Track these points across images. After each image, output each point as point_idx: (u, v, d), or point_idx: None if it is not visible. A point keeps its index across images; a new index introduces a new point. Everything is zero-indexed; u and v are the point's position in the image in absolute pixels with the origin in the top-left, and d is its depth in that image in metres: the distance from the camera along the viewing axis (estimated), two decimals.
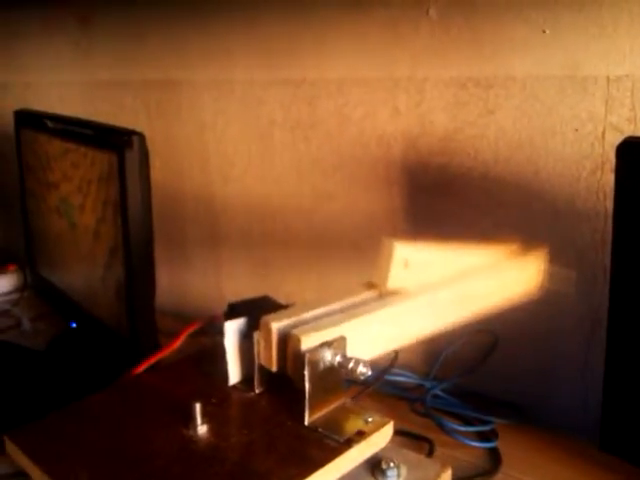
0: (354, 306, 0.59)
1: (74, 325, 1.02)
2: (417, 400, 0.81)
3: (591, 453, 0.68)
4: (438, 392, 0.82)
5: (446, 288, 0.64)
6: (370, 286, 0.63)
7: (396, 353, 0.79)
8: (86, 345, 0.97)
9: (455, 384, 0.83)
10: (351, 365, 0.52)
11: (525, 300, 0.70)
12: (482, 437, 0.75)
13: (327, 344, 0.53)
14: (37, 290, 1.19)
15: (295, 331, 0.53)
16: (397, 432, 0.72)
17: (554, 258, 0.74)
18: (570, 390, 0.82)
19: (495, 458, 0.72)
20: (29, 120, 1.08)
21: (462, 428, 0.76)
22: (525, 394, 0.83)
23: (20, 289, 1.22)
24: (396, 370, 0.83)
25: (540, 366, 0.83)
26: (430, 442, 0.73)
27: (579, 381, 0.81)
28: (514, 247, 0.74)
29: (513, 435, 0.76)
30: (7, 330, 1.07)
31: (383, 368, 0.81)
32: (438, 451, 0.72)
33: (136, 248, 0.82)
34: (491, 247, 0.72)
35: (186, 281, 1.19)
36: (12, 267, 1.25)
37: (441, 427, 0.76)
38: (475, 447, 0.74)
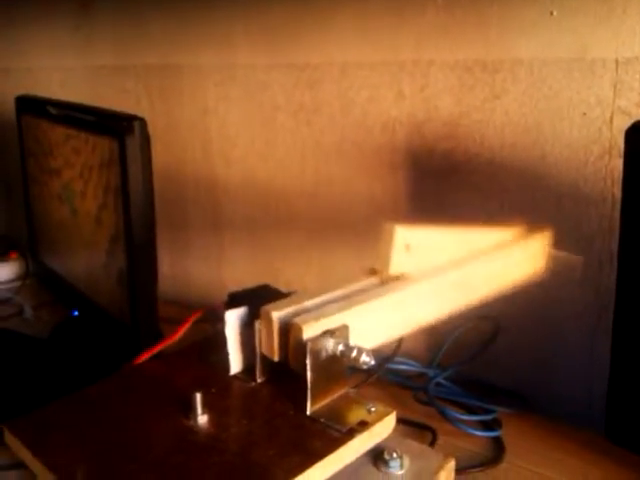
0: (356, 293, 0.58)
1: (76, 313, 1.02)
2: (420, 389, 0.80)
3: (596, 441, 0.68)
4: (441, 380, 0.81)
5: (449, 272, 0.63)
6: (372, 272, 0.62)
7: (399, 341, 0.78)
8: (88, 333, 0.97)
9: (458, 372, 0.82)
10: (354, 354, 0.51)
11: (530, 284, 0.69)
12: (485, 426, 0.75)
13: (329, 333, 0.52)
14: (39, 278, 1.19)
15: (296, 320, 0.52)
16: (400, 421, 0.71)
17: (560, 243, 0.73)
18: (575, 378, 0.81)
19: (499, 447, 0.71)
20: (30, 106, 1.08)
21: (465, 417, 0.75)
22: (529, 382, 0.82)
23: (22, 277, 1.21)
24: (399, 358, 0.83)
25: (544, 354, 0.83)
26: (433, 431, 0.73)
27: (584, 369, 0.80)
28: (519, 231, 0.72)
29: (517, 424, 0.75)
30: (9, 318, 1.07)
31: (386, 356, 0.81)
32: (441, 440, 0.71)
33: (138, 235, 0.81)
34: (495, 230, 0.71)
35: (188, 268, 1.18)
36: (14, 255, 1.25)
37: (444, 416, 0.75)
38: (478, 436, 0.73)
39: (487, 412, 0.76)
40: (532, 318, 0.81)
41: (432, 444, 0.70)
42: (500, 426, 0.74)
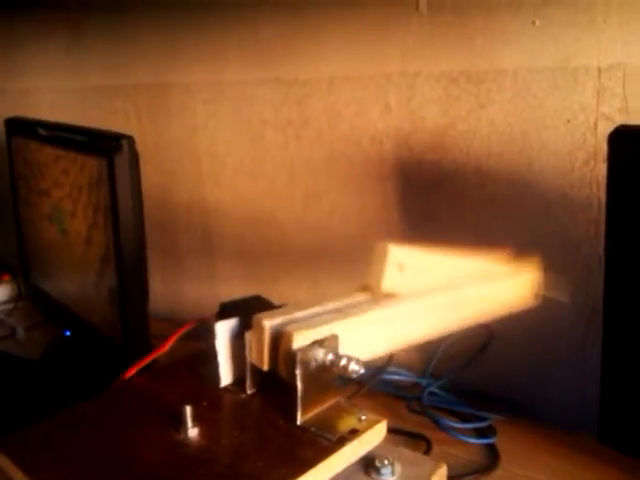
0: (347, 307, 0.58)
1: (68, 333, 1.02)
2: (413, 398, 0.80)
3: (590, 447, 0.68)
4: (434, 390, 0.81)
5: (442, 292, 0.63)
6: (364, 289, 0.62)
7: (391, 352, 0.78)
8: (80, 353, 0.97)
9: (451, 381, 0.82)
10: (343, 362, 0.51)
11: (520, 308, 0.69)
12: (480, 433, 0.75)
13: (319, 342, 0.52)
14: (31, 299, 1.18)
15: (287, 328, 0.52)
16: (394, 431, 0.72)
17: (549, 253, 0.73)
18: (568, 383, 0.81)
19: (493, 454, 0.71)
20: (20, 128, 1.08)
21: (459, 425, 0.75)
22: (522, 389, 0.82)
23: (14, 299, 1.21)
24: (392, 369, 0.83)
25: (537, 360, 0.83)
26: (427, 440, 0.73)
27: (577, 374, 0.80)
28: (509, 252, 0.72)
29: (511, 431, 0.75)
30: (2, 340, 1.07)
31: (378, 367, 0.81)
32: (435, 449, 0.71)
33: (128, 253, 0.81)
34: (486, 252, 0.71)
35: (181, 287, 1.18)
36: (6, 277, 1.25)
37: (438, 425, 0.75)
38: (473, 444, 0.73)
39: (481, 420, 0.76)
40: (523, 325, 0.81)
41: (427, 453, 0.70)
42: (494, 433, 0.74)
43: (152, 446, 0.50)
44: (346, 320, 0.54)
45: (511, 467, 0.69)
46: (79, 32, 1.20)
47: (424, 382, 0.83)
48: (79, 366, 0.93)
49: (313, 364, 0.51)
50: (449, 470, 0.65)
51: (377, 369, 0.81)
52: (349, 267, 0.91)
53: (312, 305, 0.57)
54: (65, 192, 0.93)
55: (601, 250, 0.68)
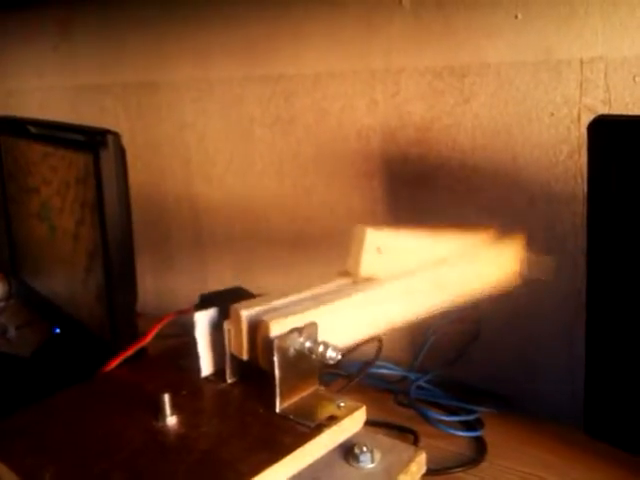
0: (327, 294, 0.58)
1: (58, 331, 1.02)
2: (401, 392, 0.80)
3: (578, 439, 0.68)
4: (422, 383, 0.81)
5: (421, 275, 0.63)
6: (343, 274, 0.62)
7: (380, 346, 0.78)
8: (70, 351, 0.97)
9: (439, 375, 0.82)
10: (320, 349, 0.51)
11: (504, 288, 0.69)
12: (467, 426, 0.75)
13: (297, 330, 0.52)
14: (22, 298, 1.18)
15: (264, 317, 0.52)
16: (381, 425, 0.72)
17: (534, 243, 0.73)
18: (556, 376, 0.81)
19: (480, 447, 0.71)
20: (8, 126, 1.08)
21: (446, 418, 0.75)
22: (510, 382, 0.82)
23: (5, 298, 1.21)
24: (380, 363, 0.82)
25: (524, 353, 0.83)
26: (415, 433, 0.72)
27: (564, 366, 0.80)
28: (492, 233, 0.73)
29: (499, 424, 0.75)
30: None
31: (367, 361, 0.81)
32: (423, 442, 0.71)
33: (115, 248, 0.81)
34: (468, 233, 0.72)
35: (172, 282, 1.18)
36: None
37: (425, 418, 0.75)
38: (460, 437, 0.73)
39: (468, 413, 0.76)
40: (510, 318, 0.82)
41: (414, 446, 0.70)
42: (482, 426, 0.74)
43: (130, 433, 0.50)
44: (325, 306, 0.55)
45: (498, 460, 0.69)
46: (67, 31, 1.21)
47: (412, 376, 0.83)
48: (69, 363, 0.93)
49: (291, 352, 0.51)
50: (436, 463, 0.65)
51: (365, 363, 0.81)
52: (339, 261, 0.92)
53: (291, 293, 0.57)
54: (53, 189, 0.93)
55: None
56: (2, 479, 0.48)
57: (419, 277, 0.63)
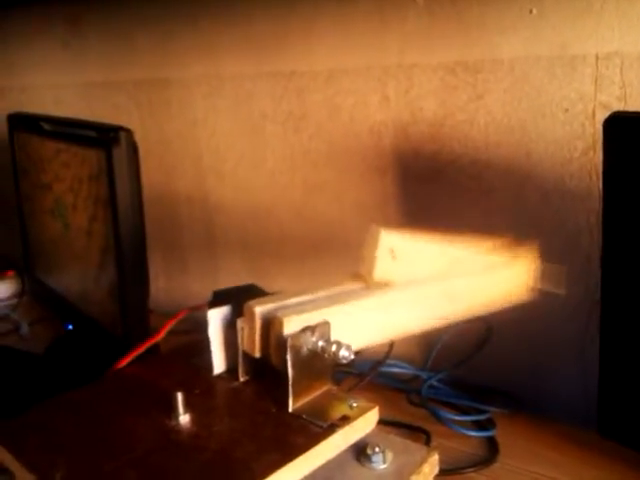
0: (339, 295, 0.58)
1: (70, 327, 1.02)
2: (413, 391, 0.80)
3: (590, 440, 0.67)
4: (434, 383, 0.81)
5: (435, 282, 0.62)
6: (356, 277, 0.61)
7: (391, 344, 0.78)
8: (83, 347, 0.97)
9: (452, 374, 0.81)
10: (333, 348, 0.51)
11: (516, 301, 0.68)
12: (479, 426, 0.74)
13: (310, 329, 0.52)
14: (35, 294, 1.19)
15: (278, 314, 0.52)
16: (393, 424, 0.72)
17: (547, 241, 0.72)
18: (569, 376, 0.80)
19: (492, 447, 0.71)
20: (22, 123, 1.08)
21: (458, 418, 0.74)
22: (523, 382, 0.82)
23: (19, 294, 1.22)
24: (391, 361, 0.82)
25: (537, 353, 0.82)
26: (427, 433, 0.72)
27: (578, 367, 0.79)
28: (506, 240, 0.72)
29: (511, 424, 0.75)
30: (6, 335, 1.08)
31: (378, 359, 0.81)
32: (435, 442, 0.71)
33: (127, 244, 0.81)
34: (483, 240, 0.70)
35: (184, 280, 1.18)
36: (11, 273, 1.25)
37: (438, 417, 0.74)
38: (472, 437, 0.72)
39: (480, 413, 0.76)
40: (523, 317, 0.81)
41: (426, 446, 0.69)
42: (494, 426, 0.73)
43: (143, 432, 0.50)
44: (337, 307, 0.54)
45: (510, 460, 0.68)
46: (77, 29, 1.21)
47: (424, 375, 0.82)
48: (82, 360, 0.93)
49: (304, 350, 0.51)
50: (448, 463, 0.65)
51: (377, 361, 0.80)
52: (350, 258, 0.92)
53: (304, 292, 0.57)
54: (66, 186, 0.93)
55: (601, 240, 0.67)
56: (15, 475, 0.48)
57: (432, 285, 0.62)
